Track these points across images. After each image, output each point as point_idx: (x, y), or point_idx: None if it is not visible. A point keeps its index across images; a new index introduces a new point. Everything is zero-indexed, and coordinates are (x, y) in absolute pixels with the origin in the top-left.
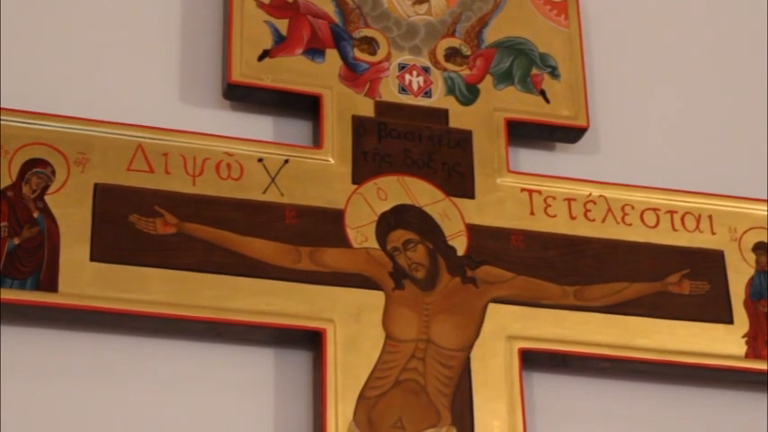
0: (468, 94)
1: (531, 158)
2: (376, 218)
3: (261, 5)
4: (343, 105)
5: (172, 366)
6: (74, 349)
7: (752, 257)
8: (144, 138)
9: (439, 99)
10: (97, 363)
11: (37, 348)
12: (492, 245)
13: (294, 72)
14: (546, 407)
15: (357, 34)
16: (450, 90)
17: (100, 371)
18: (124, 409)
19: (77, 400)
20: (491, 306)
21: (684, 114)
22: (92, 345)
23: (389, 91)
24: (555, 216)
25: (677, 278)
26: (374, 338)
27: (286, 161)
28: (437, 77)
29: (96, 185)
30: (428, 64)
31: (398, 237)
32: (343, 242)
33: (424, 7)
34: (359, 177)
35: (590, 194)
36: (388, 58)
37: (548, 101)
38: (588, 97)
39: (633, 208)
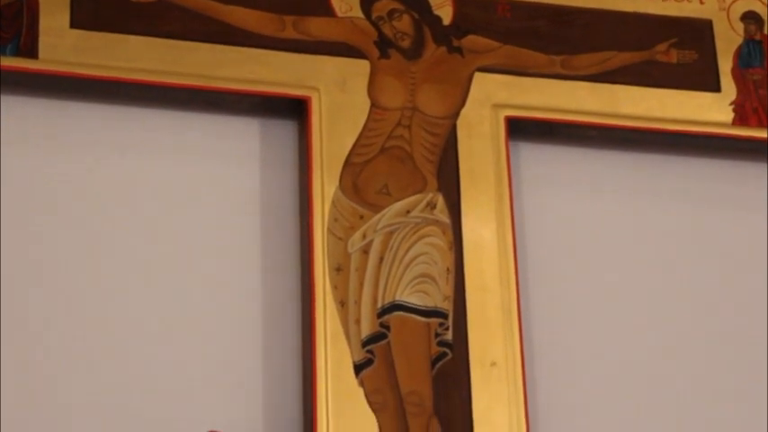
0: None
1: None
2: None
3: None
4: None
5: (158, 135)
6: (57, 118)
7: (740, 26)
8: None
9: None
10: (80, 132)
11: (19, 116)
12: (478, 14)
13: None
14: (533, 176)
15: None
16: None
17: (83, 140)
18: (107, 178)
19: (61, 168)
20: (477, 75)
21: None
22: (75, 113)
23: None
24: None
25: (665, 47)
26: (359, 106)
27: None
28: None
29: None
30: None
31: (383, 6)
32: (328, 11)
33: None
34: None
35: None
36: None
37: None
38: None
39: None
